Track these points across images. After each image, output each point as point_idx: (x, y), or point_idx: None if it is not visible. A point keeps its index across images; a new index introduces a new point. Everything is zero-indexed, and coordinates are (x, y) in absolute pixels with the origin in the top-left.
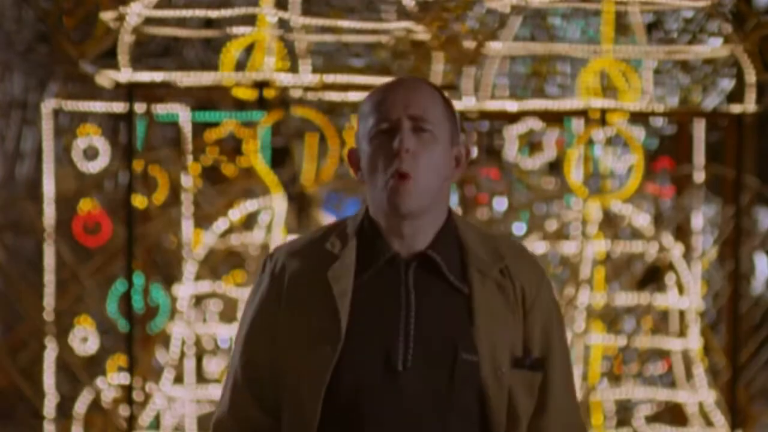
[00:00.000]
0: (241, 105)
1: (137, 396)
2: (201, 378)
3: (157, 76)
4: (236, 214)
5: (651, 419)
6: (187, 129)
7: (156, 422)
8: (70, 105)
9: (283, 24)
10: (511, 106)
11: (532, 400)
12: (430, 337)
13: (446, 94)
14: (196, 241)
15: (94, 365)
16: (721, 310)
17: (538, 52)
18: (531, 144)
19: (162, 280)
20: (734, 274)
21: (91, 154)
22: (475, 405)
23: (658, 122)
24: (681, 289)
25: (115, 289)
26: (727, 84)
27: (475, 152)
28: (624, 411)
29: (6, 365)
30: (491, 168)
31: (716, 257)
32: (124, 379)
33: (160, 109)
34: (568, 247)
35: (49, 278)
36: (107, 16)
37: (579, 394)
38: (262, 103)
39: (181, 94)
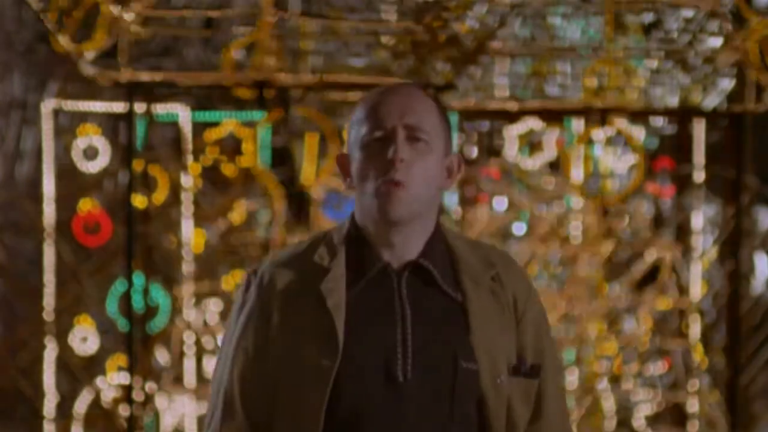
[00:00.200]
0: (241, 105)
1: (137, 396)
2: (201, 378)
3: (157, 76)
4: (236, 214)
5: (651, 419)
6: (187, 129)
7: (156, 422)
8: (70, 105)
9: (283, 24)
10: (511, 105)
11: (529, 408)
12: (429, 346)
13: (441, 100)
14: (196, 241)
15: (94, 365)
16: (721, 310)
17: (538, 52)
18: (531, 144)
19: (162, 280)
20: (734, 274)
21: (90, 154)
22: (474, 414)
23: (658, 122)
24: (681, 289)
25: (115, 289)
26: (727, 84)
27: (475, 152)
28: (624, 411)
29: (6, 365)
30: (491, 168)
31: (716, 257)
32: (124, 378)
33: (160, 109)
34: (568, 248)
35: (49, 278)
36: (107, 16)
37: (579, 394)
38: (262, 103)
39: (181, 94)
